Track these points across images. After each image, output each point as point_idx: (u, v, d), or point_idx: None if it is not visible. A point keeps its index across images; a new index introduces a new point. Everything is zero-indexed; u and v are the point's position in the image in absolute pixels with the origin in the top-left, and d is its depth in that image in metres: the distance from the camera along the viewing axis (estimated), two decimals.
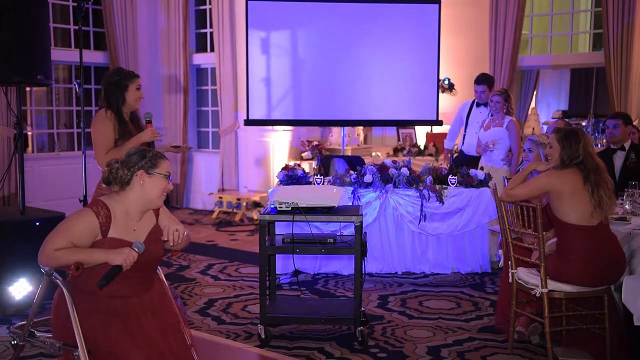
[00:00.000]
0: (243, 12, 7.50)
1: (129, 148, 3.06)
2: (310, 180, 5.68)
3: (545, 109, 9.81)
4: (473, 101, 6.61)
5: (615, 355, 3.67)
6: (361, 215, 4.00)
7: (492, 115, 6.18)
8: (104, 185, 2.81)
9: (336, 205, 4.02)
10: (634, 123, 6.45)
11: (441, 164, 6.48)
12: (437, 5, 7.25)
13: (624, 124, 5.10)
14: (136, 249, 2.62)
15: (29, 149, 8.36)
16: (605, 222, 3.62)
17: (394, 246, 5.75)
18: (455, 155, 6.69)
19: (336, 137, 8.38)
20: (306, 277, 5.62)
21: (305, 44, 7.40)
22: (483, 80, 6.42)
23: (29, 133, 8.38)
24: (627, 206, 4.16)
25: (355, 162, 6.03)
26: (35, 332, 2.91)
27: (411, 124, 8.31)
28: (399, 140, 8.71)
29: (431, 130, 8.56)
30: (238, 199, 8.19)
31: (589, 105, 9.18)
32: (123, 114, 4.04)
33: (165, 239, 2.76)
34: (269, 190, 5.76)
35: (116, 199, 2.74)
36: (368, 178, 5.58)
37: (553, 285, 3.62)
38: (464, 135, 6.61)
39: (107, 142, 3.93)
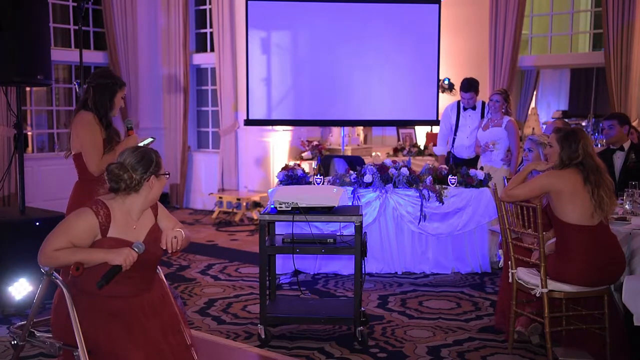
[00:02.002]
0: (243, 12, 7.50)
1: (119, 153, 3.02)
2: (310, 180, 5.68)
3: (545, 109, 9.81)
4: (458, 103, 6.58)
5: (615, 355, 3.67)
6: (361, 215, 4.00)
7: (490, 115, 6.19)
8: (108, 189, 2.78)
9: (336, 205, 4.02)
10: (634, 123, 6.45)
11: (441, 165, 6.48)
12: (437, 5, 7.25)
13: (620, 124, 5.08)
14: (136, 249, 2.61)
15: (29, 149, 8.36)
16: (605, 222, 3.62)
17: (394, 246, 5.75)
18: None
19: (336, 137, 8.38)
20: (306, 277, 5.62)
21: (305, 44, 7.40)
22: (470, 87, 6.35)
23: (29, 133, 8.38)
24: (627, 206, 4.16)
25: (355, 162, 6.03)
26: (35, 332, 2.91)
27: (411, 124, 8.32)
28: (399, 140, 8.71)
29: (431, 130, 8.56)
30: (238, 199, 8.19)
31: (589, 105, 9.17)
32: (109, 118, 3.98)
33: (164, 247, 2.74)
34: (269, 190, 5.76)
35: (117, 199, 2.73)
36: (368, 178, 5.58)
37: (553, 285, 3.62)
38: (454, 138, 6.59)
39: (100, 148, 3.86)
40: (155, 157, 2.77)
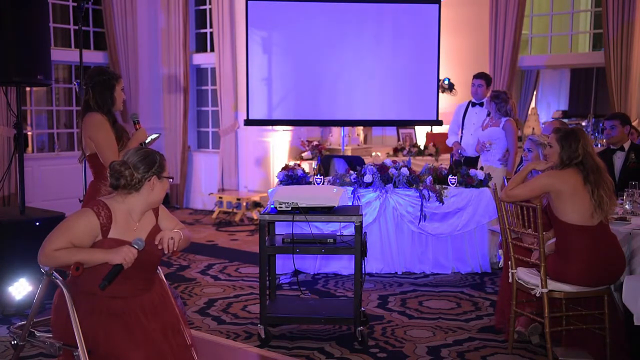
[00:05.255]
0: (243, 12, 7.50)
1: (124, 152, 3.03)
2: (310, 180, 5.68)
3: (545, 109, 9.82)
4: (469, 102, 6.62)
5: (615, 355, 3.67)
6: (361, 215, 3.99)
7: (491, 115, 6.20)
8: (109, 189, 2.78)
9: (336, 205, 4.02)
10: (634, 123, 6.46)
11: (441, 165, 6.48)
12: (437, 5, 7.25)
13: (622, 124, 5.09)
14: (136, 246, 2.60)
15: (29, 149, 8.37)
16: (605, 222, 3.62)
17: (394, 246, 5.74)
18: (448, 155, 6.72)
19: (336, 137, 8.38)
20: (306, 277, 5.62)
21: (305, 44, 7.40)
22: (482, 75, 6.48)
23: (29, 133, 8.38)
24: (627, 206, 4.15)
25: (355, 162, 6.03)
26: (35, 332, 2.91)
27: (411, 124, 8.32)
28: (399, 140, 8.71)
29: (431, 130, 8.56)
30: (238, 199, 8.19)
31: (589, 105, 9.18)
32: (113, 113, 4.00)
33: (160, 247, 2.72)
34: (269, 190, 5.76)
35: (118, 200, 2.72)
36: (368, 178, 5.59)
37: (553, 285, 3.62)
38: (461, 136, 6.62)
39: (115, 146, 3.88)
40: (160, 159, 2.77)
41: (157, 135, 4.21)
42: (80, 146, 4.06)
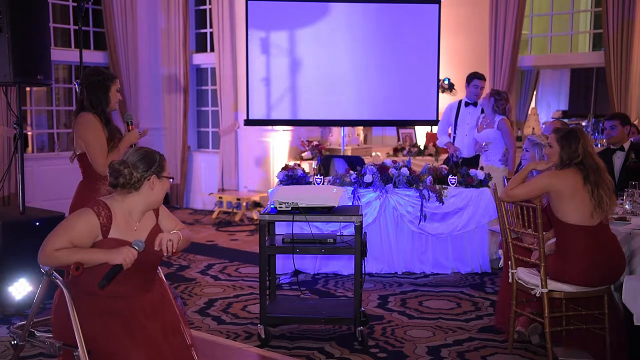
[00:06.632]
0: (243, 12, 7.50)
1: (123, 151, 3.04)
2: (310, 180, 5.68)
3: (545, 109, 9.81)
4: (459, 102, 6.61)
5: (615, 355, 3.67)
6: (361, 215, 4.00)
7: (484, 115, 6.20)
8: (109, 188, 2.78)
9: (336, 205, 4.02)
10: (635, 123, 6.45)
11: (441, 165, 6.48)
12: (437, 5, 7.25)
13: (622, 124, 5.10)
14: (136, 247, 2.60)
15: (29, 149, 8.36)
16: (605, 222, 3.62)
17: (394, 246, 5.74)
18: (446, 156, 6.71)
19: (336, 137, 8.38)
20: (306, 277, 5.62)
21: (305, 44, 7.40)
22: (484, 77, 6.48)
23: (29, 133, 8.38)
24: (627, 206, 4.16)
25: (355, 162, 6.03)
26: (35, 332, 2.91)
27: (411, 124, 8.32)
28: (399, 140, 8.71)
29: (431, 130, 8.56)
30: (238, 199, 8.19)
31: (589, 105, 9.18)
32: (108, 114, 4.00)
33: (158, 249, 2.71)
34: (269, 190, 5.76)
35: (118, 200, 2.73)
36: (368, 178, 5.59)
37: (553, 285, 3.62)
38: (454, 137, 6.60)
39: (104, 147, 3.87)
40: (159, 158, 2.77)
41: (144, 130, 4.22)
42: (72, 145, 4.06)
